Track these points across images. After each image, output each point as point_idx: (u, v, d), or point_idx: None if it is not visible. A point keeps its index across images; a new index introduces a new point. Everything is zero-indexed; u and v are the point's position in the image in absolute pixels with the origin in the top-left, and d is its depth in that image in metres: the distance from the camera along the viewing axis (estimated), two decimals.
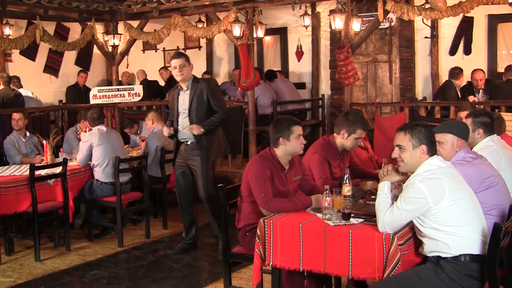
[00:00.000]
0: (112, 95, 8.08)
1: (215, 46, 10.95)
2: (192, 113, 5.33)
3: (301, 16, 9.29)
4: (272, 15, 9.73)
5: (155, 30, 8.39)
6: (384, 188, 3.21)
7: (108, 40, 8.45)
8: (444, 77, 8.57)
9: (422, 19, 8.02)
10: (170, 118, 5.61)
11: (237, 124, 7.68)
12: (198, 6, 7.55)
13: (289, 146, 3.84)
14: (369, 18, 8.21)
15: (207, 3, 7.40)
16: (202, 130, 5.26)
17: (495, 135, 4.08)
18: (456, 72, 7.71)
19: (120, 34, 8.52)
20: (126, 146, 6.94)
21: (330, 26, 7.74)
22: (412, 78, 9.07)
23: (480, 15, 8.29)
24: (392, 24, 9.03)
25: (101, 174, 5.99)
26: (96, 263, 5.42)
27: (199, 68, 9.53)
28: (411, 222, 3.10)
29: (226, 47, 10.82)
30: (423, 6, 6.42)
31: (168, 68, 10.91)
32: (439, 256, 2.98)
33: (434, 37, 8.81)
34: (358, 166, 4.71)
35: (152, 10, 7.79)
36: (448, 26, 8.66)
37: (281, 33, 10.23)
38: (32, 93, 8.44)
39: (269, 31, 9.38)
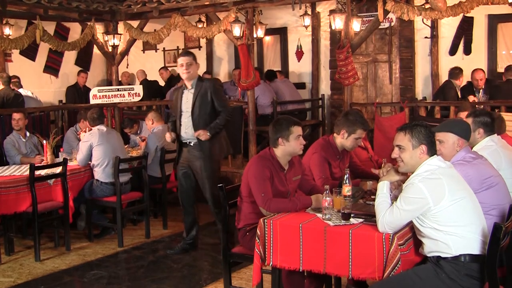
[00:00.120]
0: (112, 95, 8.08)
1: (215, 46, 10.95)
2: (195, 112, 5.33)
3: (301, 16, 9.29)
4: (272, 15, 9.73)
5: (155, 30, 8.39)
6: (383, 188, 3.21)
7: (108, 40, 8.45)
8: (444, 77, 8.56)
9: (422, 19, 8.02)
10: (172, 118, 5.60)
11: (237, 124, 7.68)
12: (198, 6, 7.55)
13: (288, 147, 3.84)
14: (369, 18, 8.21)
15: (207, 3, 7.39)
16: (208, 134, 5.26)
17: (496, 135, 4.08)
18: (456, 72, 7.71)
19: (120, 34, 8.52)
20: (126, 146, 6.94)
21: (330, 26, 7.74)
22: (412, 78, 9.07)
23: (480, 15, 8.29)
24: (392, 24, 9.03)
25: (101, 174, 5.99)
26: (96, 263, 5.42)
27: (199, 68, 9.51)
28: (411, 222, 3.10)
29: (226, 47, 10.82)
30: (423, 6, 6.42)
31: (168, 68, 10.95)
32: (439, 256, 2.98)
33: (434, 37, 8.81)
34: (358, 166, 4.71)
35: (152, 10, 7.79)
36: (448, 26, 8.66)
37: (281, 33, 10.23)
38: (32, 93, 8.44)
39: (269, 31, 9.38)
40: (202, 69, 10.67)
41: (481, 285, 2.91)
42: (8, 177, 5.52)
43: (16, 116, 6.55)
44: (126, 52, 8.88)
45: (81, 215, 6.33)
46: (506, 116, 5.62)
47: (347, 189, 3.54)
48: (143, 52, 11.54)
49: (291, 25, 10.06)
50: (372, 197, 3.68)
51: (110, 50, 8.60)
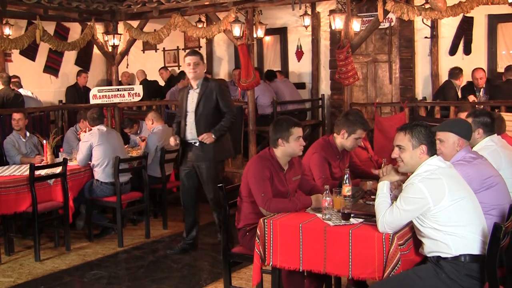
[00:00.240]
0: (112, 95, 8.07)
1: (215, 46, 10.95)
2: (199, 112, 5.32)
3: (301, 16, 9.29)
4: (272, 15, 9.73)
5: (155, 30, 8.39)
6: (383, 188, 3.21)
7: (108, 40, 8.45)
8: (444, 77, 8.57)
9: (422, 19, 8.02)
10: (177, 119, 5.60)
11: (237, 124, 7.67)
12: (198, 6, 7.55)
13: (288, 148, 3.84)
14: (369, 18, 8.21)
15: (207, 3, 7.39)
16: (213, 137, 5.25)
17: (495, 134, 4.08)
18: (456, 72, 7.72)
19: (120, 34, 8.52)
20: (126, 146, 6.94)
21: (330, 26, 7.74)
22: (412, 78, 9.07)
23: (480, 15, 8.29)
24: (392, 24, 9.03)
25: (101, 174, 5.99)
26: (96, 263, 5.42)
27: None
28: (411, 222, 3.10)
29: (226, 47, 10.82)
30: (423, 6, 6.42)
31: (168, 68, 10.96)
32: (439, 256, 2.98)
33: (434, 37, 8.81)
34: (358, 166, 4.71)
35: (152, 10, 7.79)
36: (448, 26, 8.66)
37: (281, 33, 10.23)
38: (32, 93, 8.44)
39: (269, 31, 9.38)
40: None
41: (481, 285, 2.91)
42: (8, 177, 5.52)
43: (16, 116, 6.55)
44: (126, 52, 8.88)
45: (81, 214, 6.33)
46: (506, 116, 5.63)
47: (347, 189, 3.54)
48: (143, 52, 11.54)
49: (291, 25, 10.05)
50: (372, 197, 3.68)
51: (110, 50, 8.60)
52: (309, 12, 9.40)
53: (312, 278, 3.85)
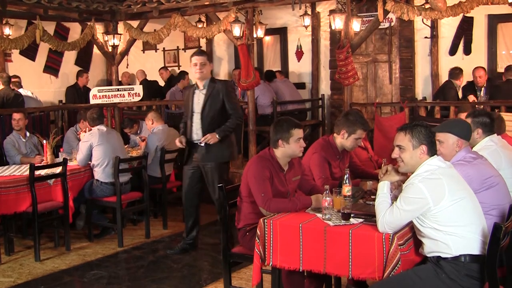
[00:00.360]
0: (112, 95, 8.08)
1: (215, 46, 10.94)
2: (205, 113, 5.31)
3: (301, 16, 9.29)
4: (272, 15, 9.73)
5: (155, 30, 8.39)
6: (383, 188, 3.21)
7: (108, 40, 8.45)
8: (444, 77, 8.57)
9: (422, 19, 8.02)
10: (184, 119, 5.59)
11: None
12: (198, 6, 7.54)
13: (288, 149, 3.84)
14: (369, 18, 8.21)
15: (207, 3, 7.39)
16: (218, 137, 5.25)
17: (495, 134, 4.08)
18: (456, 72, 7.72)
19: (120, 34, 8.52)
20: (126, 146, 6.94)
21: (330, 26, 7.74)
22: (412, 78, 9.07)
23: (480, 15, 8.29)
24: (392, 24, 9.03)
25: (101, 174, 5.99)
26: (96, 263, 5.42)
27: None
28: (411, 222, 3.10)
29: (226, 47, 10.82)
30: (423, 6, 6.42)
31: (168, 68, 10.95)
32: (439, 256, 2.98)
33: (434, 37, 8.81)
34: (358, 166, 4.71)
35: (152, 10, 7.79)
36: (448, 26, 8.66)
37: (281, 33, 10.22)
38: (32, 93, 8.44)
39: (269, 31, 9.38)
40: None
41: (481, 285, 2.91)
42: (8, 177, 5.52)
43: (16, 116, 6.55)
44: (126, 52, 8.88)
45: (81, 214, 6.33)
46: (506, 116, 5.62)
47: (347, 189, 3.54)
48: (143, 52, 11.53)
49: (291, 25, 10.05)
50: (372, 197, 3.68)
51: (110, 50, 8.60)
52: (309, 12, 9.40)
53: (312, 278, 3.86)
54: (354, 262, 3.14)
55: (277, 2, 7.33)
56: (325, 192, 3.42)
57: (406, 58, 9.07)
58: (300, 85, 9.88)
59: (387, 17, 7.93)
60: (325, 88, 9.81)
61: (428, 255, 3.06)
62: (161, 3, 7.58)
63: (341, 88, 7.89)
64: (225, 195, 3.96)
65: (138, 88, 8.39)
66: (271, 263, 3.45)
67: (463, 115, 4.96)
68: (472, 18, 8.26)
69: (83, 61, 10.74)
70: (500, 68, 8.33)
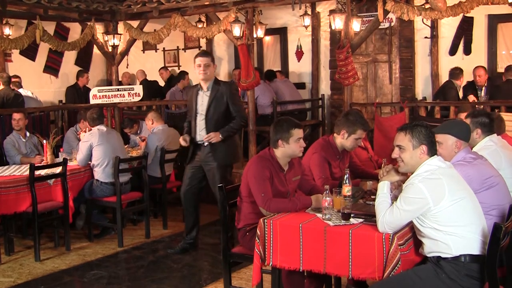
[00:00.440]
0: (112, 95, 8.08)
1: (215, 46, 10.94)
2: (210, 115, 5.31)
3: (301, 16, 9.28)
4: (272, 15, 9.73)
5: (155, 30, 8.39)
6: (383, 188, 3.21)
7: (108, 40, 8.44)
8: (444, 77, 8.57)
9: (422, 19, 8.01)
10: (188, 118, 5.59)
11: None
12: (198, 6, 7.54)
13: (288, 149, 3.84)
14: (369, 18, 8.21)
15: (207, 3, 7.39)
16: (220, 137, 5.25)
17: (495, 135, 4.08)
18: (456, 72, 7.72)
19: (120, 34, 8.52)
20: (126, 146, 6.94)
21: (330, 26, 7.73)
22: (412, 78, 9.07)
23: (480, 15, 8.28)
24: (392, 24, 9.03)
25: (101, 174, 5.99)
26: (96, 263, 5.42)
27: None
28: (411, 222, 3.10)
29: (226, 47, 10.82)
30: (423, 6, 6.41)
31: (168, 68, 10.95)
32: (439, 257, 2.98)
33: (434, 37, 8.81)
34: (358, 166, 4.71)
35: (152, 10, 7.79)
36: (448, 26, 8.66)
37: (281, 33, 10.22)
38: (32, 93, 8.44)
39: (269, 31, 9.38)
40: None
41: (481, 285, 2.91)
42: (8, 177, 5.52)
43: (16, 116, 6.55)
44: (126, 52, 8.88)
45: (80, 214, 6.33)
46: (506, 116, 5.62)
47: (347, 189, 3.54)
48: (143, 52, 11.53)
49: (291, 25, 10.05)
50: (372, 197, 3.68)
51: (110, 50, 8.60)
52: (309, 12, 9.40)
53: (312, 278, 3.86)
54: (354, 262, 3.14)
55: (277, 2, 7.33)
56: (325, 192, 3.42)
57: (406, 58, 9.06)
58: (300, 85, 9.88)
59: (387, 17, 7.93)
60: (325, 88, 9.81)
61: (428, 255, 3.06)
62: (161, 3, 7.58)
63: (341, 88, 7.89)
64: (225, 195, 3.96)
65: (138, 88, 8.39)
66: (271, 263, 3.45)
67: (463, 115, 4.96)
68: (472, 18, 8.26)
69: (83, 61, 10.74)
70: (500, 68, 8.32)
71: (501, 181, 3.45)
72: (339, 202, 3.45)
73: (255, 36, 7.84)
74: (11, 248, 5.72)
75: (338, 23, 6.98)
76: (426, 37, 8.92)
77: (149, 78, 10.76)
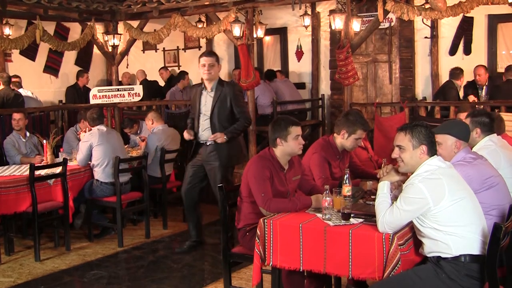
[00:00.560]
0: (112, 95, 8.08)
1: (215, 46, 10.94)
2: (214, 117, 5.31)
3: (301, 16, 9.28)
4: (272, 15, 9.73)
5: (155, 30, 8.39)
6: (383, 188, 3.21)
7: (108, 40, 8.45)
8: (444, 77, 8.57)
9: (422, 19, 8.01)
10: (191, 115, 5.59)
11: None
12: (198, 6, 7.54)
13: (286, 147, 3.84)
14: (369, 18, 8.21)
15: (207, 3, 7.39)
16: (225, 138, 5.25)
17: (495, 134, 4.08)
18: (456, 72, 7.72)
19: (120, 34, 8.52)
20: (126, 146, 6.94)
21: (330, 26, 7.74)
22: (412, 78, 9.07)
23: (480, 15, 8.29)
24: (392, 24, 9.03)
25: (101, 174, 5.99)
26: (96, 263, 5.42)
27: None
28: (411, 222, 3.10)
29: (226, 47, 10.82)
30: (423, 6, 6.42)
31: (168, 68, 10.95)
32: (439, 257, 2.98)
33: (434, 37, 8.81)
34: (358, 166, 4.71)
35: (152, 10, 7.79)
36: (448, 26, 8.66)
37: (281, 33, 10.22)
38: (32, 93, 8.44)
39: (269, 31, 9.38)
40: None
41: (481, 285, 2.91)
42: (8, 177, 5.52)
43: (16, 116, 6.55)
44: (126, 52, 8.88)
45: (79, 213, 6.32)
46: (505, 116, 5.62)
47: (347, 189, 3.54)
48: (143, 52, 11.53)
49: (291, 25, 10.05)
50: (372, 197, 3.68)
51: (110, 50, 8.60)
52: (309, 12, 9.40)
53: (312, 278, 3.86)
54: (354, 262, 3.14)
55: (277, 2, 7.33)
56: (325, 192, 3.42)
57: (406, 58, 9.06)
58: (300, 85, 9.88)
59: (387, 17, 7.93)
60: (325, 88, 9.81)
61: (428, 255, 3.06)
62: (161, 3, 7.58)
63: (341, 88, 7.89)
64: (225, 195, 3.96)
65: (138, 88, 8.39)
66: (271, 263, 3.45)
67: (462, 115, 4.96)
68: (472, 18, 8.26)
69: (83, 61, 10.74)
70: (500, 68, 8.33)
71: (501, 181, 3.45)
72: (339, 202, 3.45)
73: (255, 36, 7.84)
74: (11, 248, 5.72)
75: (338, 23, 6.98)
76: (426, 37, 8.92)
77: (149, 78, 10.76)
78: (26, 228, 5.94)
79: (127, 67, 10.93)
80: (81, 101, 9.23)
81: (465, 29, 8.49)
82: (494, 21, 8.47)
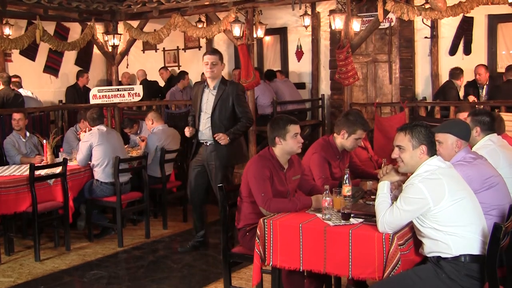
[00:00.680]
0: (112, 95, 8.08)
1: (215, 46, 10.90)
2: (216, 116, 5.30)
3: (301, 16, 9.29)
4: (272, 15, 9.73)
5: (155, 30, 8.39)
6: (383, 188, 3.21)
7: (108, 40, 8.45)
8: (444, 77, 8.57)
9: (422, 19, 8.02)
10: (192, 112, 5.59)
11: None
12: (198, 6, 7.55)
13: (285, 146, 3.84)
14: (369, 18, 8.21)
15: (207, 3, 7.39)
16: (228, 139, 5.25)
17: (495, 134, 4.08)
18: (456, 72, 7.72)
19: (120, 34, 8.52)
20: (126, 146, 6.94)
21: (330, 26, 7.74)
22: (412, 78, 9.07)
23: (480, 15, 8.29)
24: (392, 24, 9.03)
25: (101, 174, 5.99)
26: (96, 263, 5.42)
27: (199, 68, 9.55)
28: (411, 222, 3.10)
29: (226, 47, 10.81)
30: (423, 6, 6.42)
31: (168, 68, 10.95)
32: (439, 257, 2.98)
33: (434, 37, 8.81)
34: (358, 166, 4.71)
35: (152, 10, 7.79)
36: (448, 26, 8.66)
37: (281, 33, 10.22)
38: (32, 93, 8.44)
39: (269, 31, 9.38)
40: (202, 69, 10.63)
41: (481, 285, 2.91)
42: (8, 177, 5.52)
43: (16, 116, 6.55)
44: (126, 52, 8.88)
45: (81, 215, 6.33)
46: (506, 116, 5.62)
47: (347, 189, 3.54)
48: (143, 52, 11.53)
49: (291, 25, 10.05)
50: (372, 197, 3.68)
51: (110, 50, 8.60)
52: (309, 12, 9.40)
53: (312, 278, 3.86)
54: (354, 262, 3.14)
55: (277, 2, 7.33)
56: (325, 192, 3.42)
57: (406, 58, 9.06)
58: (300, 85, 9.88)
59: (387, 17, 7.93)
60: (325, 88, 9.82)
61: (428, 255, 3.06)
62: (161, 3, 7.59)
63: (341, 88, 7.89)
64: (225, 195, 3.97)
65: (138, 88, 8.39)
66: (271, 263, 3.45)
67: (462, 115, 4.97)
68: (472, 18, 8.26)
69: (83, 61, 10.73)
70: (500, 68, 8.33)
71: (501, 181, 3.45)
72: (339, 202, 3.45)
73: (255, 36, 7.84)
74: (11, 248, 5.72)
75: (338, 23, 6.98)
76: (426, 37, 8.92)
77: (149, 78, 10.76)
78: (26, 228, 5.94)
79: (127, 67, 10.92)
80: (81, 101, 9.22)
81: (465, 29, 8.49)
82: (494, 21, 8.48)
